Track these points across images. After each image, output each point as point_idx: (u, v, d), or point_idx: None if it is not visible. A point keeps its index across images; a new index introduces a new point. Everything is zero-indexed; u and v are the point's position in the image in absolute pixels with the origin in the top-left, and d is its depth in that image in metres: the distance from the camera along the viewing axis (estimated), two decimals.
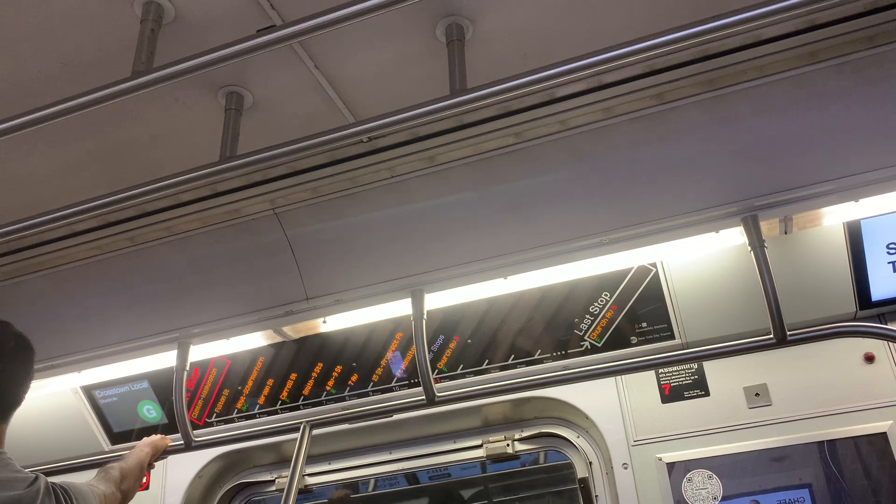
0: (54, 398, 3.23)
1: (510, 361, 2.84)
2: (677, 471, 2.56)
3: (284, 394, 3.10)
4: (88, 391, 3.28)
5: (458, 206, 2.35)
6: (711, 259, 2.53)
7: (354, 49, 1.86)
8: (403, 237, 2.40)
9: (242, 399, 3.15)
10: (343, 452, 3.22)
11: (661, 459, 2.60)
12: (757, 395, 2.59)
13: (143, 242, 2.59)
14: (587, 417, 2.77)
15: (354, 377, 3.01)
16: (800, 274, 2.48)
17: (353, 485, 3.41)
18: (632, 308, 2.67)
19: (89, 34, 1.75)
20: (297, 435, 2.52)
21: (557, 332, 2.76)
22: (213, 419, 3.22)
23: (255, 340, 2.74)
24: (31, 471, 1.76)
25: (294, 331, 2.68)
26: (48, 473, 1.84)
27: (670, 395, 2.70)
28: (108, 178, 2.24)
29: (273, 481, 3.27)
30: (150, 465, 2.47)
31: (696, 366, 2.70)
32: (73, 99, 1.65)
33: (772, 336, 2.09)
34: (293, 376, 3.08)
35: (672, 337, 2.66)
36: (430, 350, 2.84)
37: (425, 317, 2.38)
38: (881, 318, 2.57)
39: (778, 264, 2.15)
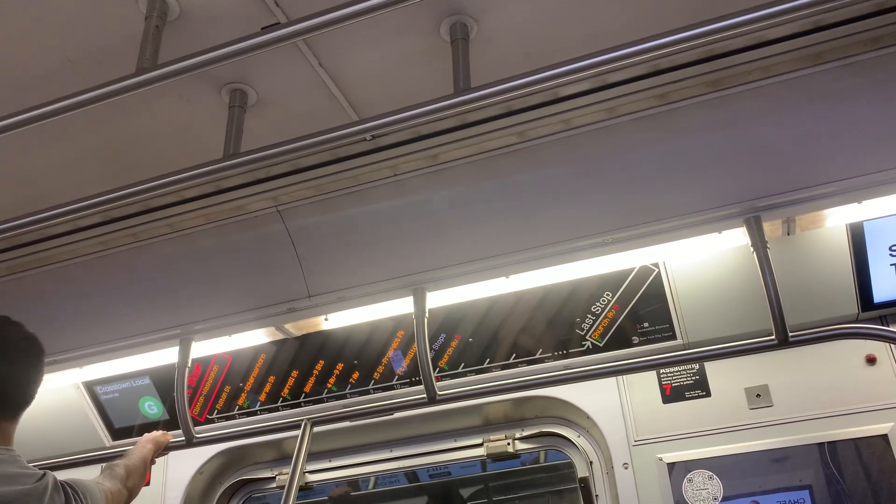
0: (56, 394, 3.23)
1: (511, 360, 2.84)
2: (678, 471, 2.56)
3: (286, 391, 3.10)
4: (90, 387, 3.28)
5: (461, 205, 2.35)
6: (714, 259, 2.53)
7: (359, 47, 1.86)
8: (406, 235, 2.41)
9: (244, 396, 3.16)
10: (344, 450, 3.22)
11: (661, 459, 2.60)
12: (758, 395, 2.59)
13: (147, 238, 2.59)
14: (588, 417, 2.77)
15: (356, 375, 3.02)
16: (802, 275, 2.48)
17: (353, 482, 3.41)
18: (634, 308, 2.66)
19: (94, 30, 1.76)
20: (298, 432, 2.53)
21: (559, 331, 2.76)
22: (214, 416, 3.22)
23: (256, 337, 2.75)
24: (34, 466, 1.76)
25: (296, 328, 2.69)
26: (49, 468, 1.85)
27: (671, 395, 2.70)
28: (112, 175, 2.23)
29: (274, 478, 3.28)
30: (152, 461, 2.47)
31: (697, 366, 2.70)
32: (78, 95, 1.65)
33: (773, 337, 2.09)
34: (294, 373, 3.08)
35: (674, 337, 2.65)
36: (431, 348, 2.84)
37: (427, 315, 2.38)
38: (883, 319, 2.57)
39: (780, 265, 2.14)
